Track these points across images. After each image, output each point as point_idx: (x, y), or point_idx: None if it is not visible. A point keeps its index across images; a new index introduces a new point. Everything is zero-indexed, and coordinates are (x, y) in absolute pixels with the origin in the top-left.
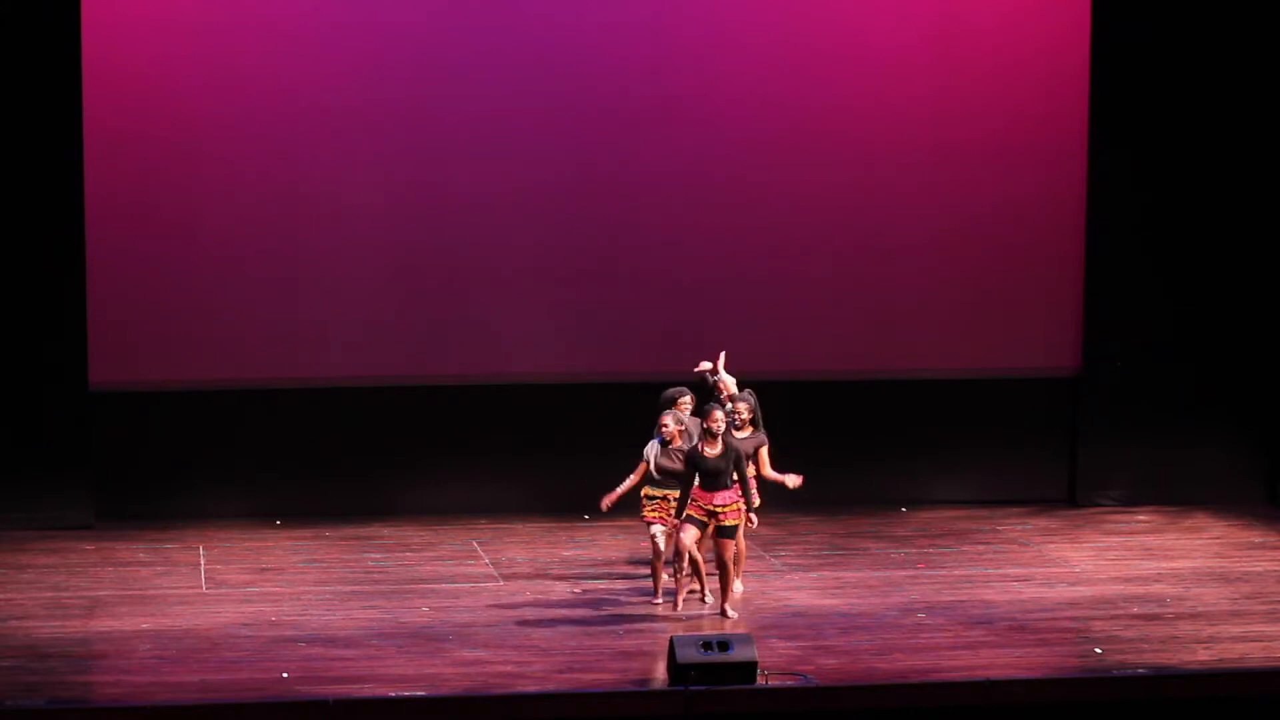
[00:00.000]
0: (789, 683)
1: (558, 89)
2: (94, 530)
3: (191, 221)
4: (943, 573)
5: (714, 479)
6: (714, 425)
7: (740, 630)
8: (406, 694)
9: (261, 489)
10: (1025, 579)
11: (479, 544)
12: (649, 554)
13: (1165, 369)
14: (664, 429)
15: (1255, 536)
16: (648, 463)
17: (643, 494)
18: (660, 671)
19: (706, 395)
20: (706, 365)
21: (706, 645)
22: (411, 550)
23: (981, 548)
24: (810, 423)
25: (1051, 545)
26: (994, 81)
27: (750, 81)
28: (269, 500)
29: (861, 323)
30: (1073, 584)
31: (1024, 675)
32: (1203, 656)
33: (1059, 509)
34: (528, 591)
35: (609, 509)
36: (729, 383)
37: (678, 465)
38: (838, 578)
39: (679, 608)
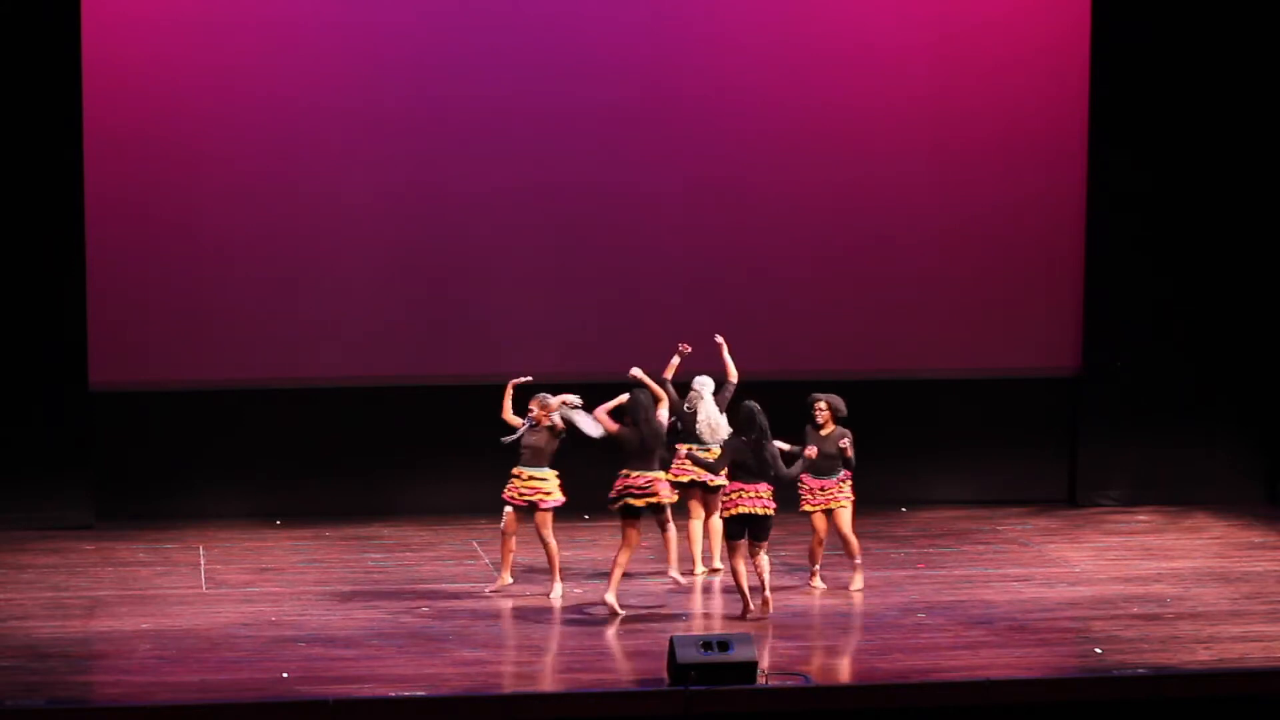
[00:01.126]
0: (789, 683)
1: (557, 90)
2: (94, 530)
3: (191, 222)
4: (943, 573)
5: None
6: (818, 415)
7: (740, 630)
8: (406, 694)
9: (261, 489)
10: (1025, 579)
11: (479, 544)
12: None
13: (1165, 369)
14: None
15: (1255, 536)
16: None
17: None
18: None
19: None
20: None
21: (706, 645)
22: (411, 550)
23: (981, 548)
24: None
25: (1051, 545)
26: (994, 81)
27: (750, 81)
28: (269, 500)
29: (861, 323)
30: (1073, 584)
31: (1024, 675)
32: (1203, 656)
33: (1059, 509)
34: (528, 591)
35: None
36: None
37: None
38: (838, 578)
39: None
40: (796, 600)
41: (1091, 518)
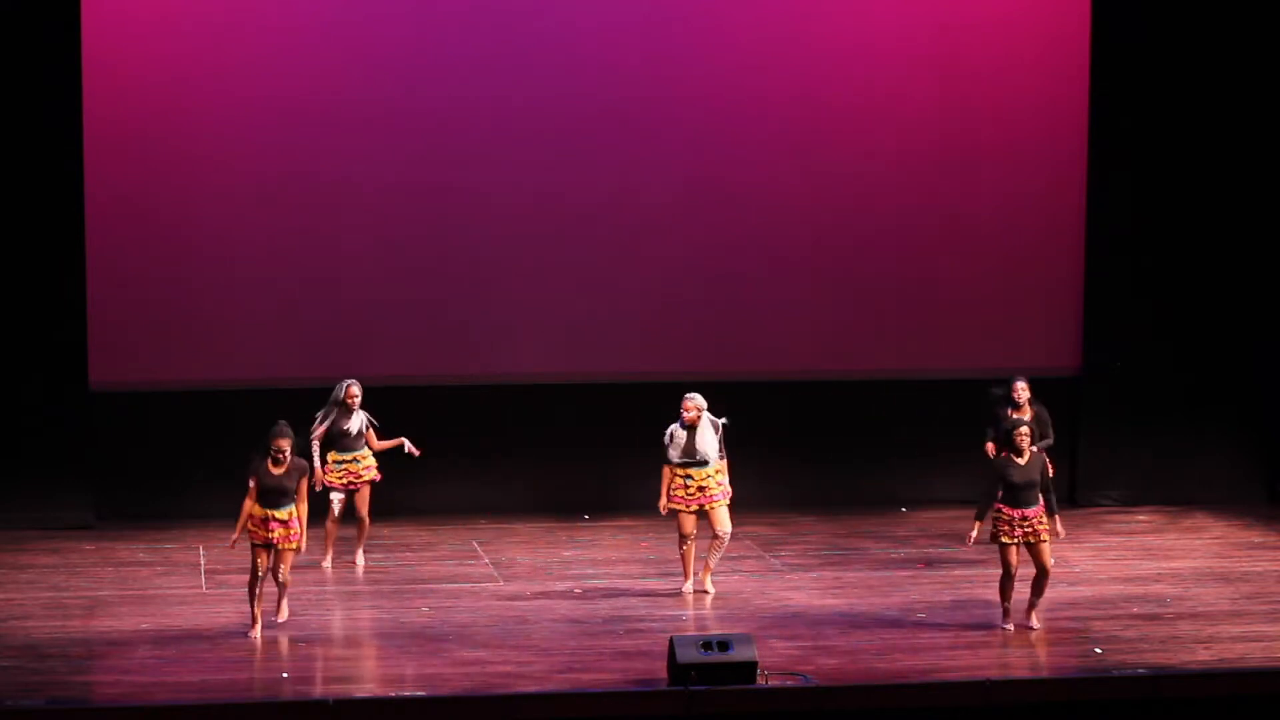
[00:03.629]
0: (789, 683)
1: (558, 91)
2: (94, 530)
3: (191, 222)
4: (943, 573)
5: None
6: (1020, 441)
7: (740, 630)
8: (406, 694)
9: None
10: (1025, 579)
11: (479, 544)
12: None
13: (1165, 369)
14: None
15: (1255, 536)
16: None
17: (330, 458)
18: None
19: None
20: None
21: (706, 645)
22: (411, 550)
23: (981, 548)
24: (810, 423)
25: (1052, 545)
26: (995, 81)
27: (750, 82)
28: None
29: (861, 323)
30: (1073, 584)
31: (1024, 675)
32: (1203, 656)
33: (1059, 509)
34: (528, 591)
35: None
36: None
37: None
38: (838, 578)
39: None
40: (796, 600)
41: (1091, 518)
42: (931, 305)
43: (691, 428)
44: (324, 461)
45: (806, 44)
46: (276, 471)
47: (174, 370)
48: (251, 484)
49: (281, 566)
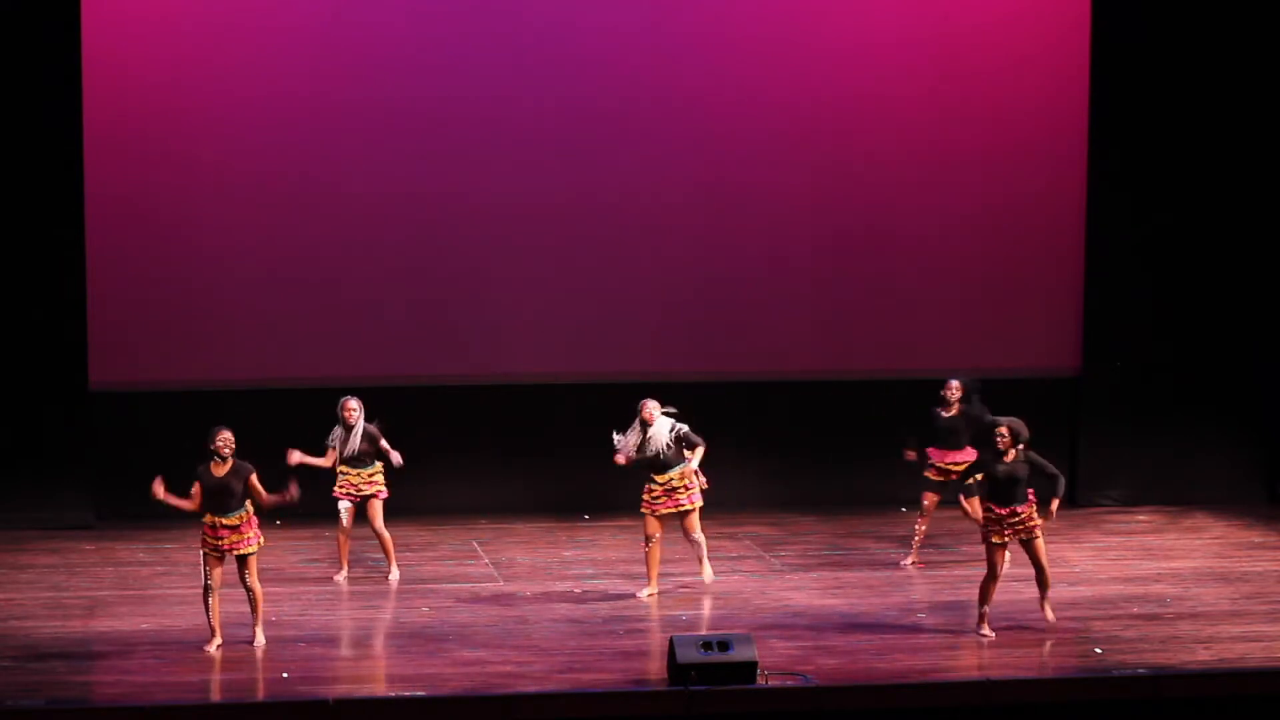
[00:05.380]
0: (789, 683)
1: (558, 91)
2: (94, 530)
3: (191, 222)
4: (943, 573)
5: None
6: (997, 441)
7: (740, 630)
8: (406, 694)
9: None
10: (1025, 579)
11: (479, 544)
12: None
13: (1165, 369)
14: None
15: (1255, 536)
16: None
17: (339, 469)
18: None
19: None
20: None
21: (706, 645)
22: (411, 550)
23: (981, 548)
24: (810, 423)
25: (1051, 545)
26: (994, 82)
27: (751, 82)
28: None
29: (862, 323)
30: (1073, 584)
31: (1024, 675)
32: (1203, 656)
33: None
34: (528, 591)
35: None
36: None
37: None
38: (838, 578)
39: None
40: (796, 600)
41: (1091, 518)
42: (931, 305)
43: (646, 426)
44: (335, 475)
45: (807, 44)
46: (218, 472)
47: (174, 370)
48: (195, 489)
49: (246, 573)
